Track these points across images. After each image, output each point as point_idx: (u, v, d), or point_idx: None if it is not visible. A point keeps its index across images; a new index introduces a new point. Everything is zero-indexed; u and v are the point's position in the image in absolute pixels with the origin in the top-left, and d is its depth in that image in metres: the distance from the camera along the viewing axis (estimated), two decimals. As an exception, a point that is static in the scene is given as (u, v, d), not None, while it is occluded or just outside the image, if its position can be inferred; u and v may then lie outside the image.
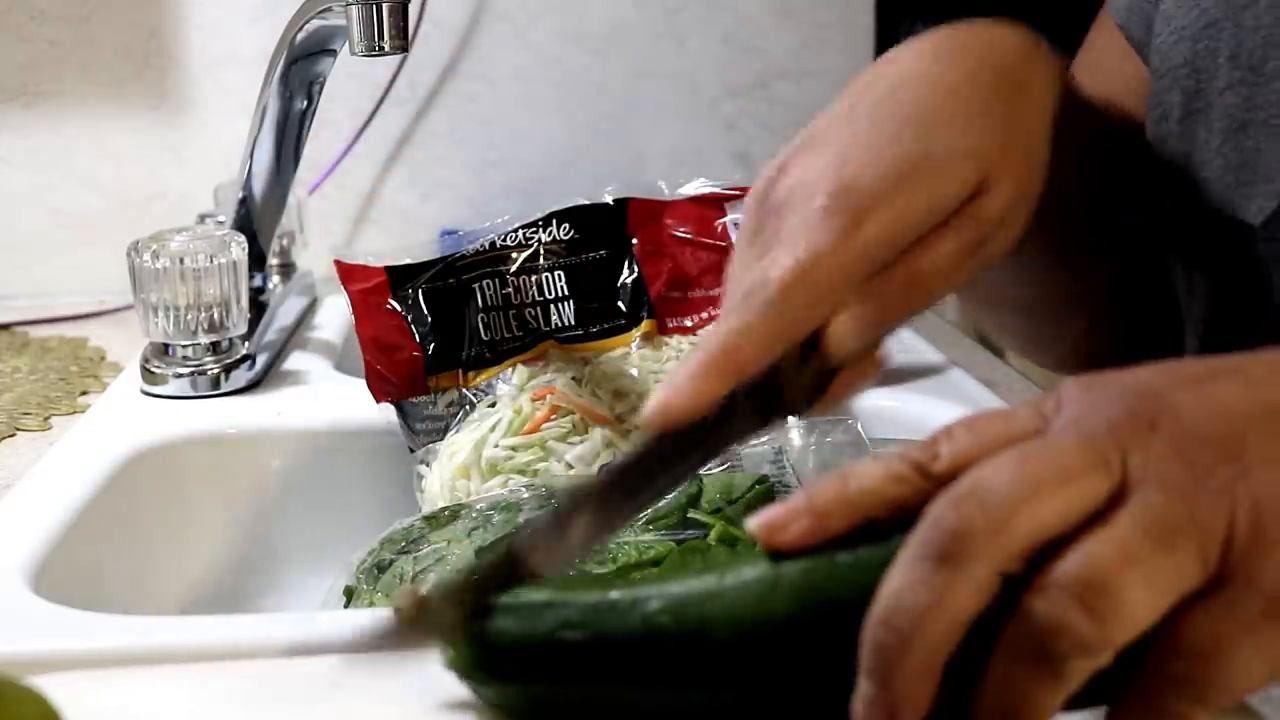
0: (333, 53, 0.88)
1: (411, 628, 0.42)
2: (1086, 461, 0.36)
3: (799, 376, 0.47)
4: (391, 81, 1.18)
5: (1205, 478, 0.35)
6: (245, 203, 0.92)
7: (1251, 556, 0.34)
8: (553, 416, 0.73)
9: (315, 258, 1.07)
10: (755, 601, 0.39)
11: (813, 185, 0.47)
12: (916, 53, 0.52)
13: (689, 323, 0.82)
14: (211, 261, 0.84)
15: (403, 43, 0.81)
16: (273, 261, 1.03)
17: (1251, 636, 0.34)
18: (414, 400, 0.77)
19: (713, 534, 0.63)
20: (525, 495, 0.67)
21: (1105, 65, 0.69)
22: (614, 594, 0.41)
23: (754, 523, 0.39)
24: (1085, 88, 0.63)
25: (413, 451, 0.76)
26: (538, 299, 0.80)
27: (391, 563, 0.65)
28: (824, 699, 0.39)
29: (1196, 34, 0.57)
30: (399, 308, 0.78)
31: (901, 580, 0.36)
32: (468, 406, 0.76)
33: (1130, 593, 0.34)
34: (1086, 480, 0.36)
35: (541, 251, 0.81)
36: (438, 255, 0.80)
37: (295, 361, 0.93)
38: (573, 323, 0.80)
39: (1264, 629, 0.34)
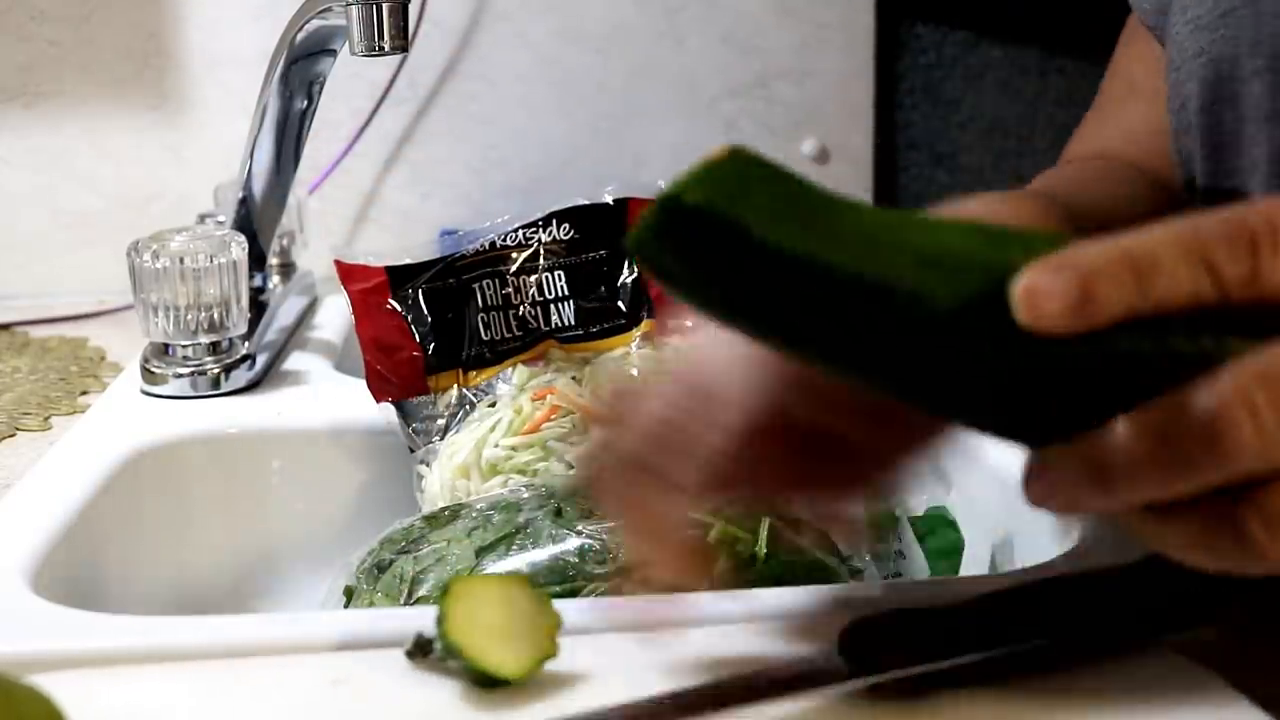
0: (333, 53, 0.88)
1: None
2: None
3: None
4: (391, 81, 1.18)
5: None
6: (245, 203, 0.92)
7: None
8: (553, 416, 0.73)
9: (315, 258, 1.07)
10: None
11: None
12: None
13: (689, 323, 0.82)
14: (211, 261, 0.84)
15: (403, 43, 0.81)
16: (273, 261, 1.03)
17: None
18: (414, 400, 0.77)
19: (713, 534, 0.63)
20: (525, 495, 0.67)
21: (1137, 83, 0.70)
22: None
23: (1019, 287, 0.36)
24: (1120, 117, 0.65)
25: (413, 451, 0.76)
26: (538, 299, 0.80)
27: (391, 563, 0.65)
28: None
29: (1213, 23, 0.57)
30: (399, 308, 0.78)
31: (1139, 444, 0.35)
32: (468, 406, 0.77)
33: None
34: None
35: (541, 251, 0.81)
36: (438, 255, 0.80)
37: (295, 361, 0.93)
38: (573, 323, 0.80)
39: None
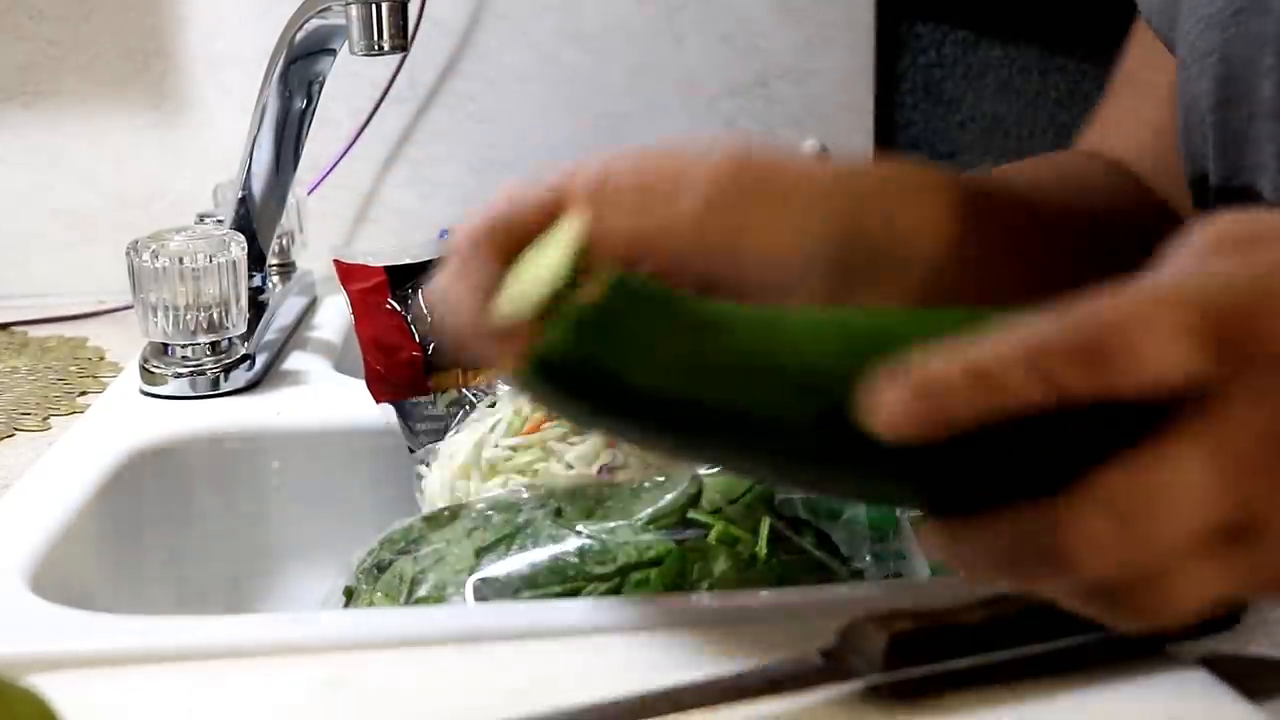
0: (332, 52, 0.88)
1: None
2: (1232, 501, 0.35)
3: None
4: (391, 81, 1.18)
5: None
6: (245, 202, 0.91)
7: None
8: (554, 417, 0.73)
9: (315, 258, 1.06)
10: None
11: None
12: None
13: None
14: (211, 261, 0.84)
15: (402, 42, 0.81)
16: (272, 261, 1.03)
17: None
18: (414, 400, 0.77)
19: (713, 534, 0.63)
20: (525, 495, 0.67)
21: (1138, 81, 0.70)
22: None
23: (863, 403, 0.37)
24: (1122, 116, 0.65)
25: (413, 452, 0.76)
26: (538, 299, 0.80)
27: (391, 563, 0.64)
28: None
29: (1225, 21, 0.57)
30: (399, 307, 0.78)
31: (990, 550, 0.37)
32: (468, 406, 0.76)
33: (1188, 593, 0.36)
34: (1223, 512, 0.35)
35: (541, 251, 0.81)
36: (438, 255, 0.80)
37: (295, 361, 0.93)
38: (573, 322, 0.80)
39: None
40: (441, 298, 0.48)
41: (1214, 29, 0.58)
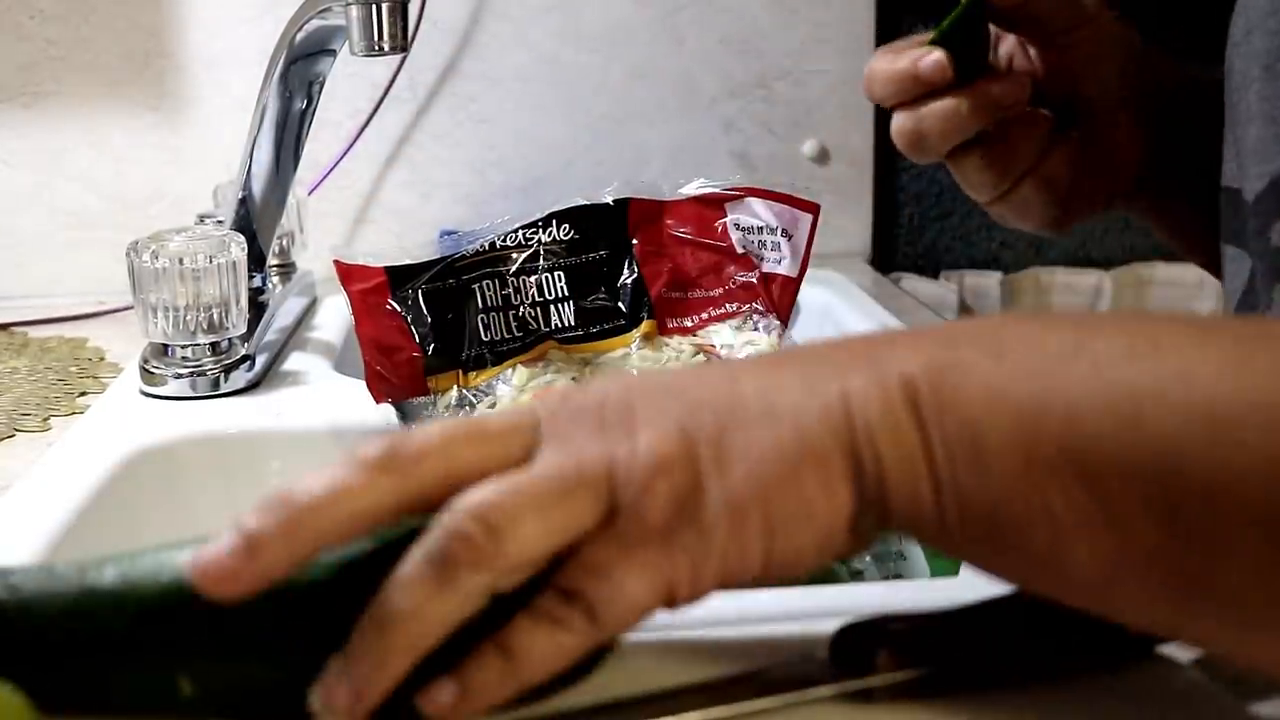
0: (332, 53, 0.88)
1: None
2: (510, 425, 0.43)
3: None
4: (391, 81, 1.18)
5: (591, 438, 0.42)
6: (245, 203, 0.91)
7: (630, 495, 0.41)
8: (552, 417, 0.73)
9: (315, 258, 1.07)
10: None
11: None
12: None
13: (689, 323, 0.82)
14: (211, 262, 0.84)
15: (402, 42, 0.81)
16: (272, 262, 1.03)
17: (631, 557, 0.40)
18: (414, 401, 0.77)
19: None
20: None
21: None
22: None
23: (188, 567, 0.40)
24: None
25: (412, 452, 0.76)
26: (537, 299, 0.80)
27: (391, 563, 0.64)
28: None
29: (1240, 42, 0.61)
30: (399, 308, 0.78)
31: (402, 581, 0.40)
32: (468, 407, 0.76)
33: (524, 520, 0.40)
34: (507, 438, 0.43)
35: (541, 252, 0.81)
36: (437, 255, 0.80)
37: (295, 362, 0.93)
38: (573, 323, 0.80)
39: (641, 552, 0.40)
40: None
41: (1234, 48, 0.61)
